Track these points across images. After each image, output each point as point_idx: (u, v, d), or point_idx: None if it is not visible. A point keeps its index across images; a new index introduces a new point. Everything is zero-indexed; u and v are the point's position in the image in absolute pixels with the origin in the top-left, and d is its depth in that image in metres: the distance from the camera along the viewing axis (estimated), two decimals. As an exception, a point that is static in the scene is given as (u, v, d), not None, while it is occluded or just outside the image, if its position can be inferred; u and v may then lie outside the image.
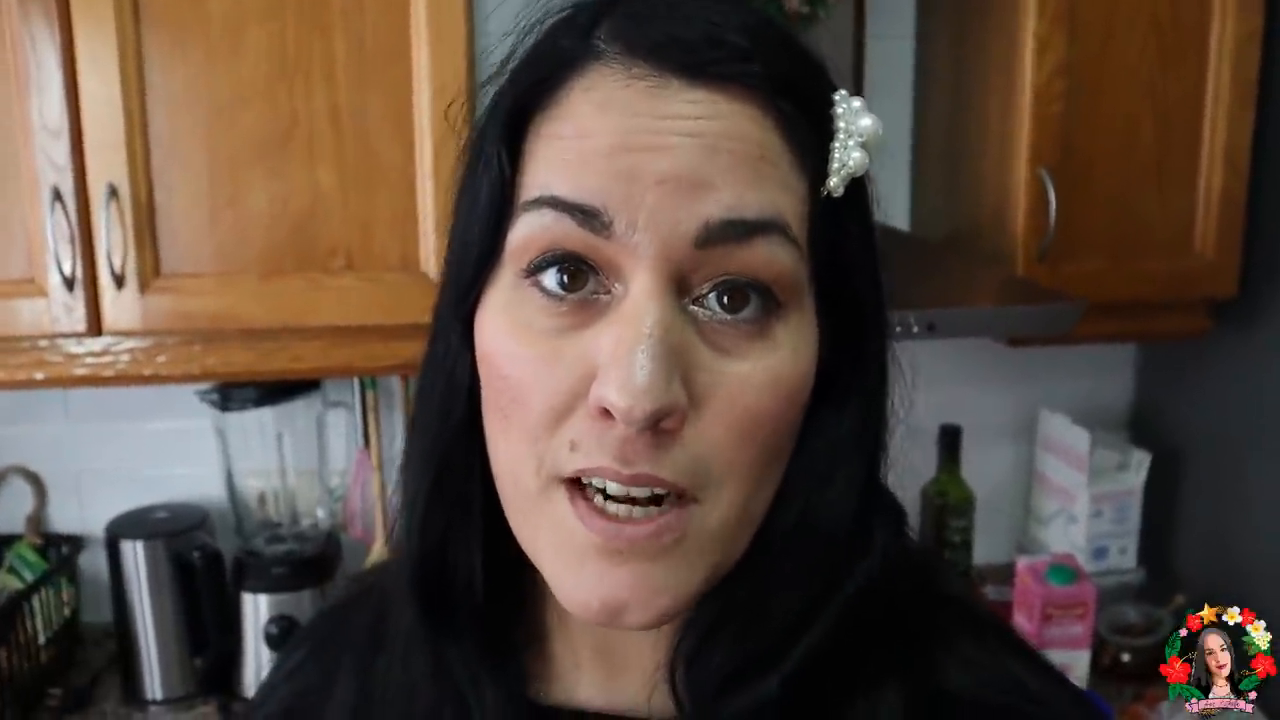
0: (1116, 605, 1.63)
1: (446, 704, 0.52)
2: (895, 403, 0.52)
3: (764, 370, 0.44)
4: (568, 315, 0.44)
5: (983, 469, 1.75)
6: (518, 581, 0.52)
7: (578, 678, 0.54)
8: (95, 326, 1.26)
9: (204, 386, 1.51)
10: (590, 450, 0.43)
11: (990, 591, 1.63)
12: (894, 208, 1.70)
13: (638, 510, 0.43)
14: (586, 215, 0.43)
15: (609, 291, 0.44)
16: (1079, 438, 1.64)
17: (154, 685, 1.52)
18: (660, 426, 0.42)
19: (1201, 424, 1.65)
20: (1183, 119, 1.40)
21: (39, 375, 1.30)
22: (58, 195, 1.22)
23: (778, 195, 0.44)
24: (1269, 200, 1.44)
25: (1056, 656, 1.47)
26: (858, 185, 0.47)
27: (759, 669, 0.48)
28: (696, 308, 0.44)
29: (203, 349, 1.31)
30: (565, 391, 0.43)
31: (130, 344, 1.30)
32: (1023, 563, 1.52)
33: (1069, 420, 1.67)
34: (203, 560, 1.49)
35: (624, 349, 0.42)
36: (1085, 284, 1.40)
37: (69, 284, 1.24)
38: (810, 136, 0.45)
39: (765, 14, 0.48)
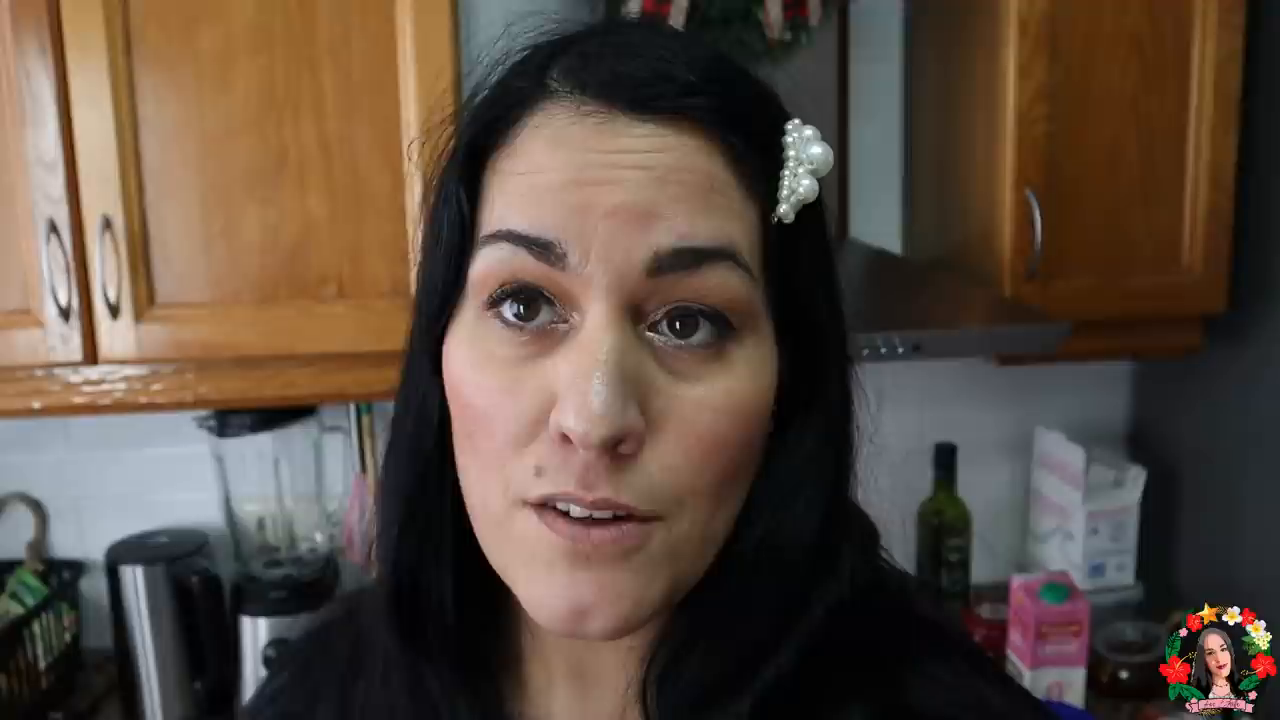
0: (1114, 623, 1.62)
1: None
2: (863, 424, 0.53)
3: (720, 393, 0.45)
4: (528, 344, 0.46)
5: (979, 487, 1.75)
6: (492, 604, 0.54)
7: (552, 697, 0.55)
8: (91, 356, 1.28)
9: (201, 413, 1.53)
10: (554, 475, 0.44)
11: (987, 610, 1.62)
12: (886, 230, 1.71)
13: (595, 530, 0.45)
14: (541, 248, 0.44)
15: (566, 320, 0.45)
16: (1075, 455, 1.64)
17: (154, 709, 1.53)
18: (618, 451, 0.44)
19: (1197, 439, 1.65)
20: (1167, 138, 1.40)
21: (36, 404, 1.32)
22: (53, 227, 1.25)
23: (727, 223, 0.45)
24: (1255, 216, 1.45)
25: (1052, 674, 1.47)
26: (811, 212, 0.48)
27: (729, 689, 0.49)
28: (652, 334, 0.45)
29: (197, 377, 1.33)
30: (527, 419, 0.45)
31: (126, 372, 1.32)
32: (1017, 581, 1.52)
33: (1064, 438, 1.67)
34: (202, 585, 1.51)
35: (580, 376, 0.43)
36: (1075, 302, 1.41)
37: (65, 314, 1.26)
38: (760, 166, 0.47)
39: (716, 50, 0.49)
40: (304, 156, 1.27)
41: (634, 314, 0.45)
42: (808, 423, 0.50)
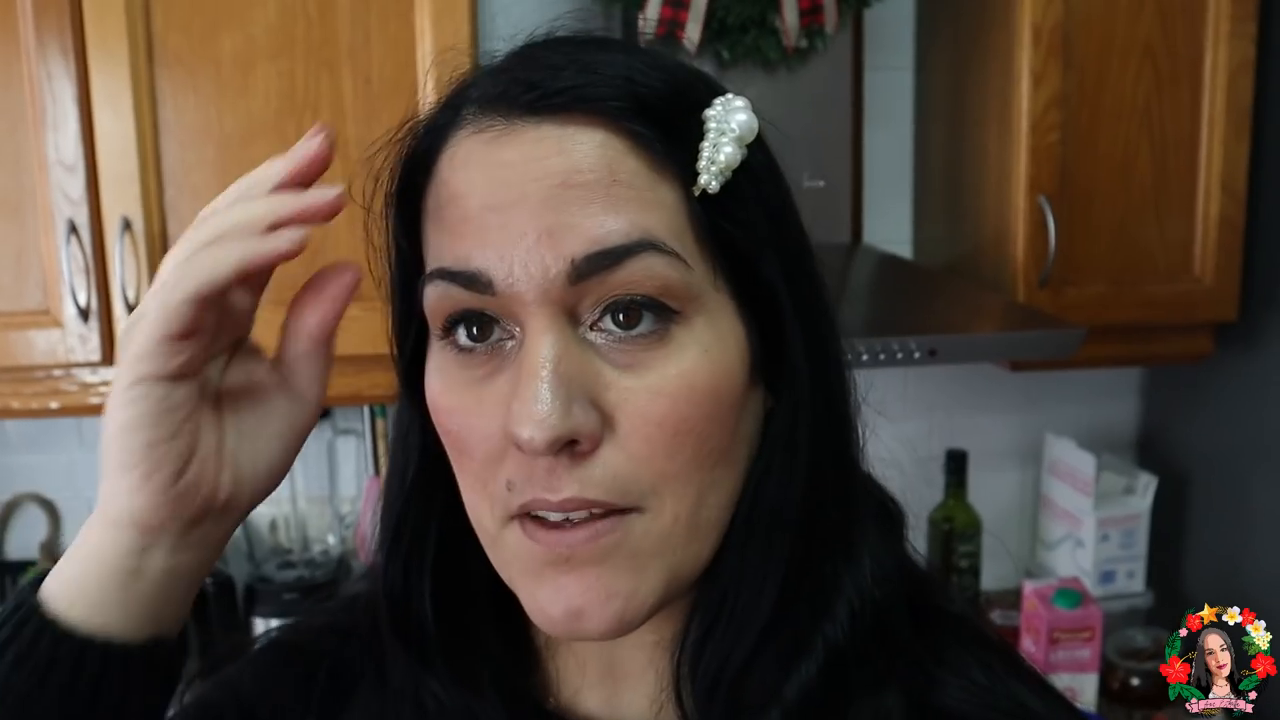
0: (1125, 629, 1.63)
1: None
2: (858, 393, 0.53)
3: (674, 377, 0.45)
4: (483, 364, 0.47)
5: (989, 494, 1.75)
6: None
7: (584, 692, 0.55)
8: (109, 356, 1.29)
9: (216, 415, 1.53)
10: (523, 486, 0.45)
11: (998, 616, 1.63)
12: (897, 236, 1.72)
13: (575, 520, 0.46)
14: (469, 280, 0.45)
15: (513, 337, 0.47)
16: (1085, 462, 1.64)
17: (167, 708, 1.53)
18: (576, 451, 0.44)
19: (1208, 446, 1.65)
20: (1179, 146, 1.41)
21: (54, 404, 1.32)
22: (73, 228, 1.25)
23: (639, 214, 0.45)
24: (1267, 225, 1.45)
25: (1064, 680, 1.47)
26: (747, 177, 0.48)
27: (764, 685, 0.48)
28: (594, 333, 0.46)
29: (214, 378, 1.33)
30: (493, 436, 0.46)
31: (143, 373, 1.32)
32: (1029, 587, 1.52)
33: (1075, 444, 1.68)
34: (215, 586, 1.51)
35: (524, 384, 0.44)
36: (1087, 309, 1.41)
37: (84, 315, 1.26)
38: (670, 147, 0.46)
39: (631, 46, 0.50)
40: (323, 160, 1.28)
41: (570, 318, 0.45)
42: (783, 390, 0.50)
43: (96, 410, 1.34)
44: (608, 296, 0.45)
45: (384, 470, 0.59)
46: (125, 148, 1.26)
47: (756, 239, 0.48)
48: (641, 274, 0.45)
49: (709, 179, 0.46)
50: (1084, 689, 1.48)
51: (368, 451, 1.65)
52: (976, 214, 1.52)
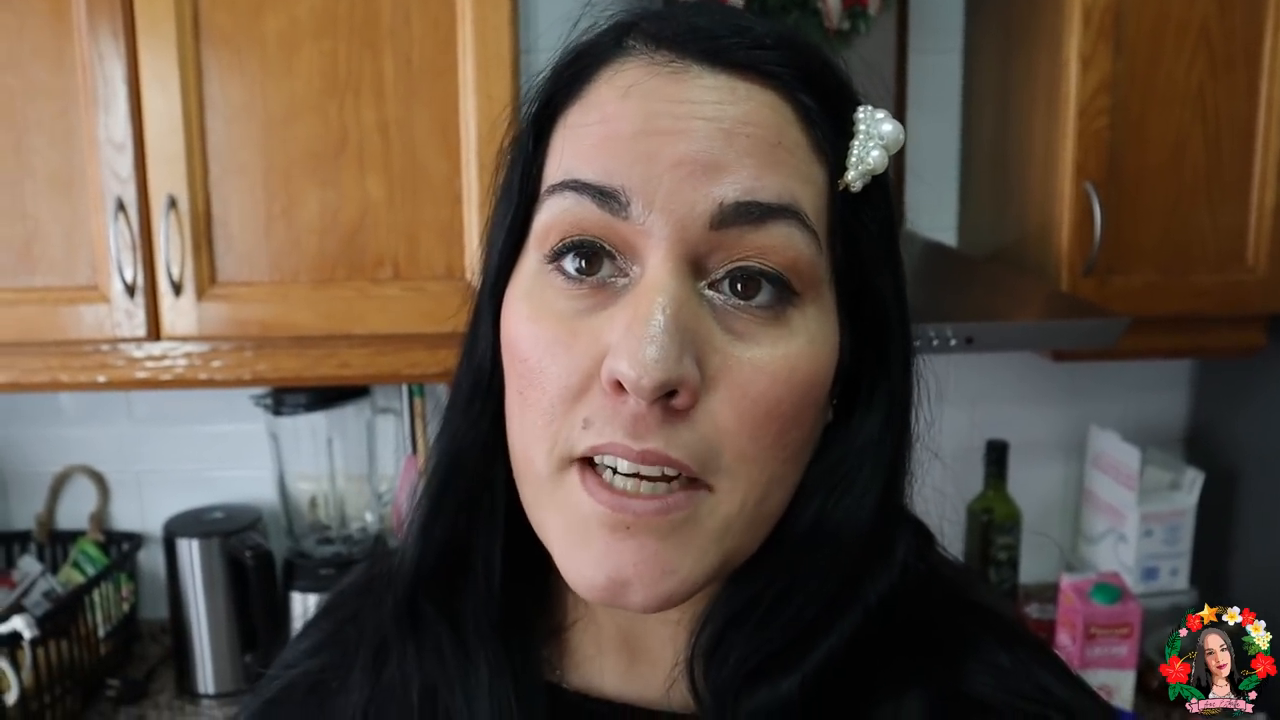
0: (1166, 627, 1.60)
1: (467, 689, 0.53)
2: (919, 420, 0.52)
3: (779, 357, 0.45)
4: (586, 298, 0.45)
5: (1031, 486, 1.72)
6: (542, 570, 0.53)
7: (600, 667, 0.55)
8: (154, 332, 1.32)
9: (258, 391, 1.56)
10: (602, 427, 0.44)
11: (1035, 610, 1.60)
12: (942, 223, 1.69)
13: (645, 486, 0.44)
14: (605, 196, 0.44)
15: (626, 275, 0.45)
16: (1129, 455, 1.61)
17: (206, 680, 1.57)
18: (671, 404, 0.43)
19: (1258, 442, 1.61)
20: (1233, 132, 1.37)
21: (101, 378, 1.36)
22: (121, 206, 1.28)
23: (794, 183, 0.45)
24: (1326, 215, 1.41)
25: (1100, 677, 1.45)
26: (879, 186, 0.48)
27: (778, 667, 0.48)
28: (712, 292, 0.45)
29: (254, 355, 1.36)
30: (580, 371, 0.44)
31: (187, 349, 1.35)
32: (1066, 581, 1.50)
33: (1119, 437, 1.65)
34: (255, 560, 1.54)
35: (637, 323, 0.43)
36: (1135, 298, 1.38)
37: (130, 291, 1.29)
38: (830, 132, 0.47)
39: (792, 27, 0.50)
40: (364, 140, 1.29)
41: (695, 269, 0.45)
42: (871, 407, 0.49)
43: (141, 384, 1.37)
44: (738, 258, 0.45)
45: (432, 429, 0.56)
46: (173, 127, 1.28)
47: (877, 250, 0.48)
48: (781, 240, 0.44)
49: (855, 176, 0.47)
50: (1121, 686, 1.46)
51: (406, 430, 1.66)
52: (1022, 201, 1.50)
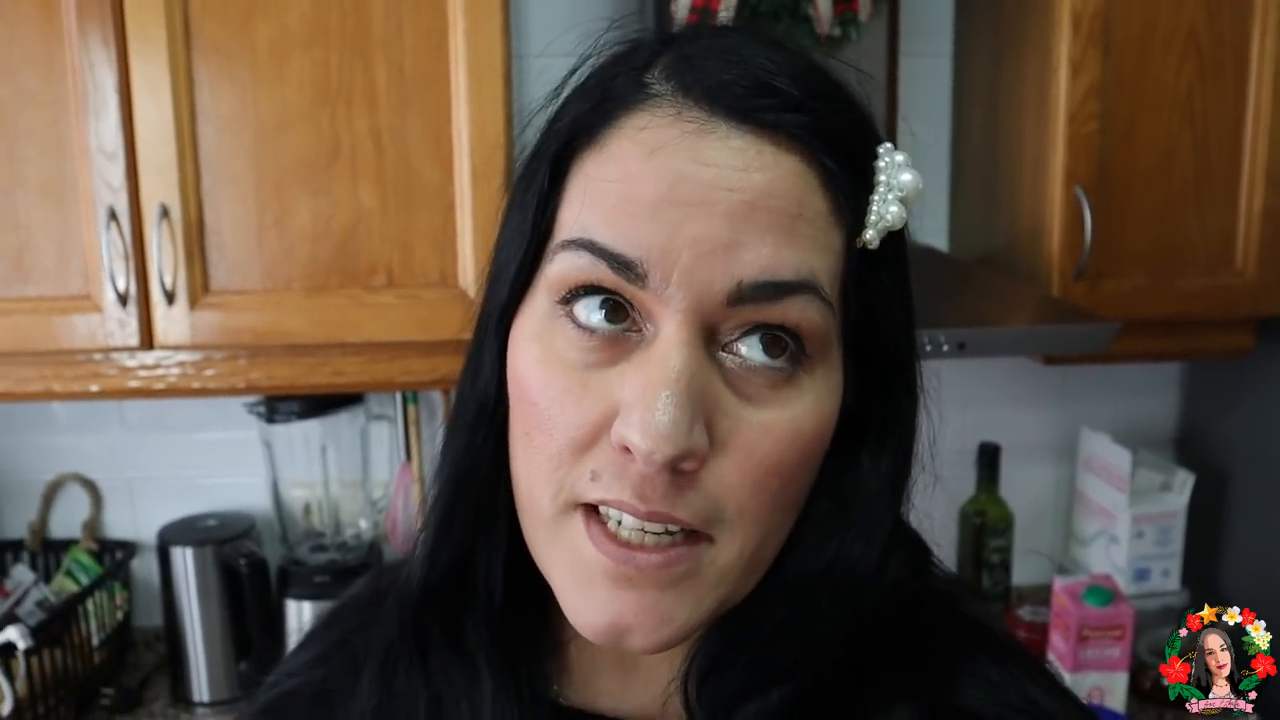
0: (1159, 628, 1.61)
1: (472, 703, 0.53)
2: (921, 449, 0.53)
3: (786, 419, 0.45)
4: (598, 350, 0.45)
5: (1023, 488, 1.73)
6: (542, 587, 0.53)
7: (596, 682, 0.56)
8: (147, 341, 1.31)
9: (252, 399, 1.56)
10: (610, 482, 0.44)
11: (1028, 612, 1.61)
12: (934, 227, 1.70)
13: (649, 538, 0.45)
14: (622, 265, 0.44)
15: (640, 331, 0.45)
16: (1120, 457, 1.62)
17: (201, 688, 1.57)
18: (680, 468, 0.43)
19: (1248, 444, 1.62)
20: (1222, 137, 1.38)
21: (94, 387, 1.35)
22: (113, 215, 1.28)
23: (812, 255, 0.45)
24: (1314, 218, 1.42)
25: (1093, 679, 1.45)
26: (895, 238, 0.48)
27: (770, 686, 0.49)
28: (725, 354, 0.45)
29: (248, 363, 1.36)
30: (589, 425, 0.45)
31: (180, 358, 1.35)
32: (1059, 583, 1.50)
33: (1111, 440, 1.65)
34: (249, 567, 1.54)
35: (650, 392, 0.43)
36: (1125, 302, 1.39)
37: (123, 300, 1.29)
38: (850, 190, 0.46)
39: (819, 63, 0.49)
40: (356, 148, 1.29)
41: (708, 335, 0.45)
42: (883, 451, 0.50)
43: (134, 393, 1.37)
44: (753, 321, 0.44)
45: (440, 438, 0.56)
46: (164, 135, 1.28)
47: (891, 302, 0.48)
48: (797, 314, 0.44)
49: (874, 235, 0.47)
50: (1114, 688, 1.46)
51: (400, 437, 1.66)
52: (1012, 205, 1.50)
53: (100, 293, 1.30)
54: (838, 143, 0.46)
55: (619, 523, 0.45)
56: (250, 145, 1.29)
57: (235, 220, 1.31)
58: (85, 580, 1.60)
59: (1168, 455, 1.78)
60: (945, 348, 1.20)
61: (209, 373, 1.36)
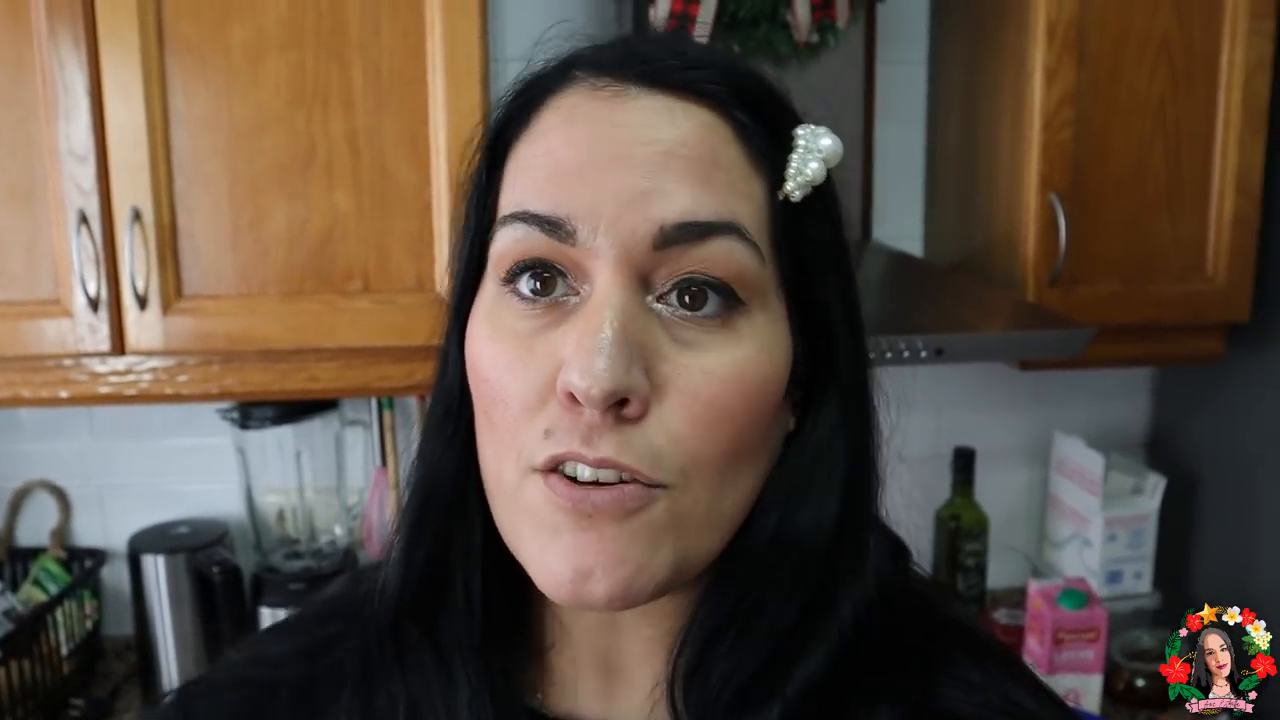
0: (1131, 630, 1.62)
1: (449, 707, 0.53)
2: (883, 425, 0.53)
3: (728, 363, 0.47)
4: (540, 316, 0.47)
5: (997, 492, 1.75)
6: (522, 596, 0.54)
7: (578, 689, 0.55)
8: (119, 346, 1.29)
9: (225, 405, 1.54)
10: (560, 436, 0.46)
11: (1003, 615, 1.62)
12: (909, 233, 1.71)
13: (604, 480, 0.46)
14: (552, 226, 0.46)
15: (578, 293, 0.47)
16: (1093, 461, 1.64)
17: (172, 698, 1.54)
18: (623, 413, 0.45)
19: (1218, 447, 1.64)
20: (1194, 144, 1.40)
21: (64, 393, 1.33)
22: (83, 218, 1.26)
23: (731, 199, 0.47)
24: (1282, 225, 1.44)
25: (1069, 681, 1.47)
26: (821, 198, 0.50)
27: (760, 690, 0.49)
28: (660, 305, 0.47)
29: (222, 369, 1.34)
30: (538, 385, 0.46)
31: (152, 363, 1.33)
32: (1034, 587, 1.52)
33: (1084, 444, 1.67)
34: (222, 575, 1.52)
35: (588, 337, 0.45)
36: (1098, 308, 1.41)
37: (94, 305, 1.27)
38: (767, 146, 0.49)
39: (735, 53, 0.52)
40: (332, 151, 1.28)
41: (643, 284, 0.47)
42: (821, 412, 0.51)
43: (105, 400, 1.34)
44: (682, 272, 0.46)
45: (414, 443, 0.57)
46: (136, 137, 1.26)
47: (822, 258, 0.50)
48: (722, 255, 0.46)
49: (794, 187, 0.49)
50: (1088, 690, 1.48)
51: (375, 443, 1.65)
52: (988, 211, 1.51)
53: (70, 297, 1.28)
54: (749, 98, 0.49)
55: (575, 472, 0.46)
56: (224, 148, 1.28)
57: (209, 224, 1.29)
58: (54, 589, 1.57)
59: (1139, 459, 1.80)
60: (923, 354, 1.21)
61: (182, 379, 1.34)
